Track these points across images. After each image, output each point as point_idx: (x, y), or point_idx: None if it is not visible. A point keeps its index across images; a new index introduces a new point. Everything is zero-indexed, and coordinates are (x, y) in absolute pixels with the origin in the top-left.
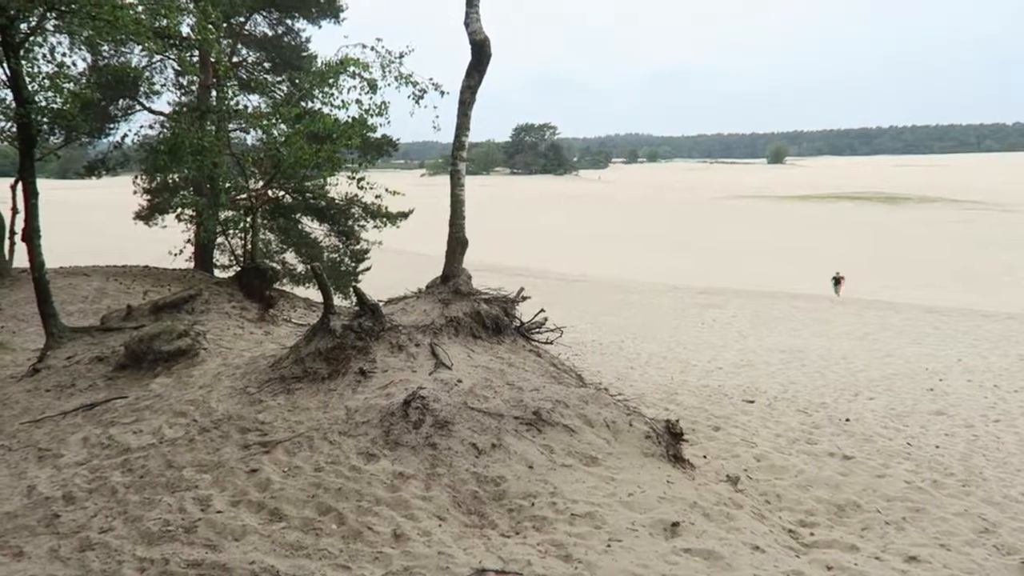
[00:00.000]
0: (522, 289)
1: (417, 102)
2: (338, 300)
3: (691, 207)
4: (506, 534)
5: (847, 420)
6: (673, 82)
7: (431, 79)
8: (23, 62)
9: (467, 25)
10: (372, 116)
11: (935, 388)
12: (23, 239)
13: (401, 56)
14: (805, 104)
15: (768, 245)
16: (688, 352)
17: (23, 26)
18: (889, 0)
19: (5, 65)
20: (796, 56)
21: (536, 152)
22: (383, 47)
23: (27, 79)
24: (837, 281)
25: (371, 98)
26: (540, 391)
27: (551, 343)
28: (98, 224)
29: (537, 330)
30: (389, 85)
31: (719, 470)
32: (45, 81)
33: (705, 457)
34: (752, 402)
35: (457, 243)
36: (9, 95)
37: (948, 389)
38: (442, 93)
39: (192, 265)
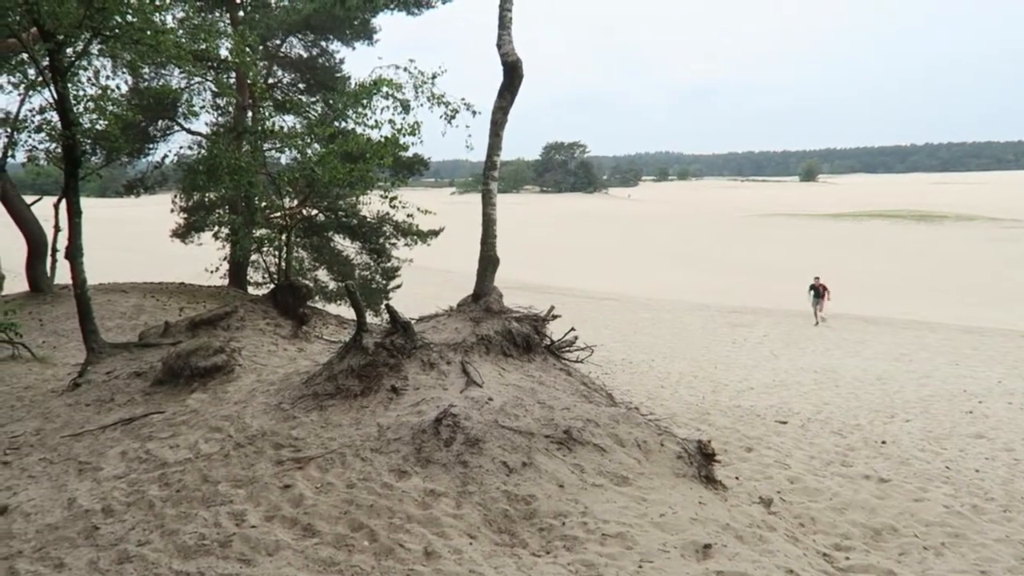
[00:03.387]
0: (552, 308)
1: (449, 122)
2: (369, 317)
3: (722, 225)
4: (537, 553)
5: (883, 442)
6: (704, 100)
7: (463, 99)
8: (69, 85)
9: (499, 47)
10: (404, 135)
11: (974, 410)
12: (66, 257)
13: (434, 77)
14: (838, 121)
15: (800, 264)
16: (719, 372)
17: (68, 50)
18: (924, 14)
19: (52, 88)
20: (828, 72)
21: (566, 170)
22: (416, 68)
23: (72, 102)
24: (817, 292)
25: (404, 118)
26: (571, 410)
27: (581, 362)
28: (134, 241)
29: (567, 348)
30: (422, 105)
31: (752, 492)
32: (90, 104)
33: (737, 478)
34: (785, 423)
35: (488, 261)
36: (55, 117)
37: (988, 411)
38: (474, 113)
39: (226, 282)
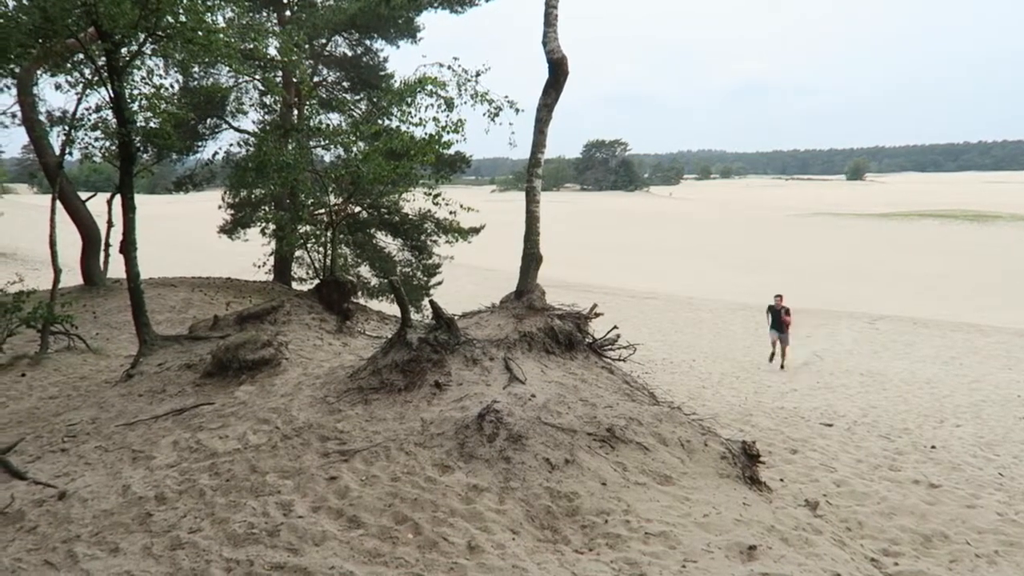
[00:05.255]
0: (595, 305)
1: (492, 119)
2: (411, 313)
3: (765, 224)
4: (579, 550)
5: (932, 447)
6: (748, 98)
7: (506, 96)
8: (124, 84)
9: (545, 44)
10: (448, 133)
11: None
12: (120, 251)
13: (477, 74)
14: (886, 119)
15: (846, 264)
16: (762, 372)
17: (123, 50)
18: (974, 9)
19: (108, 87)
20: (877, 70)
21: (607, 168)
22: (459, 66)
23: (127, 100)
24: (777, 318)
25: (447, 116)
26: (613, 408)
27: (624, 360)
28: (174, 237)
29: (609, 347)
30: (465, 103)
31: (797, 494)
32: (144, 102)
33: (782, 480)
34: (830, 425)
35: (531, 259)
36: (110, 115)
37: None
38: (517, 111)
39: (271, 278)
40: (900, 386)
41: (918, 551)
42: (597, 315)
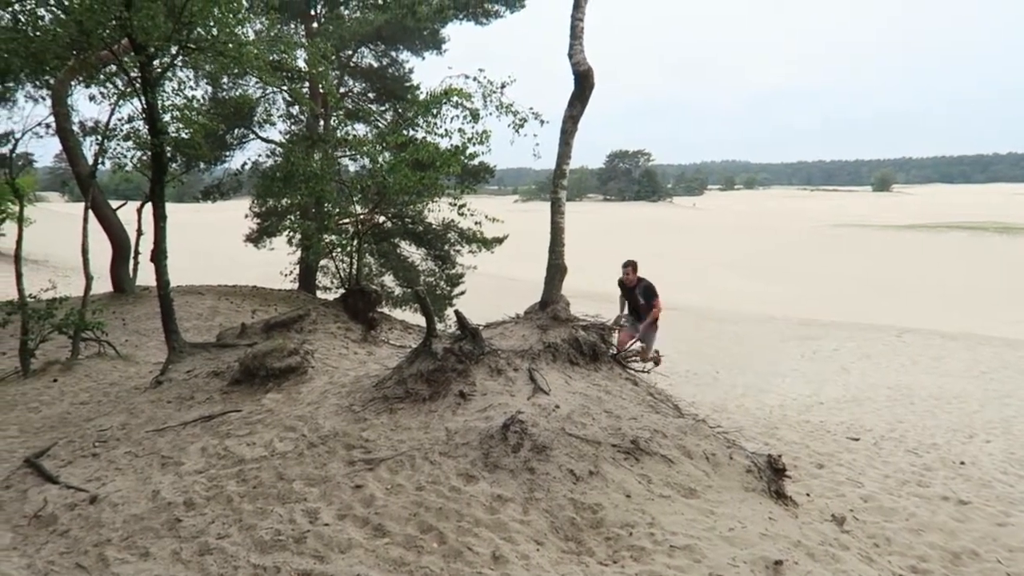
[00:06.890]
0: (619, 316)
1: (517, 131)
2: None
3: (790, 235)
4: (603, 562)
5: (962, 463)
6: (772, 107)
7: (531, 108)
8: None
9: (571, 56)
10: (473, 144)
11: None
12: (151, 259)
13: (503, 86)
14: (914, 130)
15: (873, 276)
16: (787, 385)
17: (156, 62)
18: (1001, 15)
19: (142, 98)
20: (904, 80)
21: (630, 178)
22: (485, 77)
23: (160, 111)
24: (631, 296)
25: (473, 127)
26: (638, 420)
27: (648, 372)
28: (204, 245)
29: (634, 359)
30: (490, 114)
31: (823, 509)
32: (176, 113)
33: (808, 495)
34: (857, 440)
35: (556, 269)
36: (142, 126)
37: None
38: (542, 122)
39: (296, 286)
40: (928, 400)
41: (947, 568)
42: (621, 327)
